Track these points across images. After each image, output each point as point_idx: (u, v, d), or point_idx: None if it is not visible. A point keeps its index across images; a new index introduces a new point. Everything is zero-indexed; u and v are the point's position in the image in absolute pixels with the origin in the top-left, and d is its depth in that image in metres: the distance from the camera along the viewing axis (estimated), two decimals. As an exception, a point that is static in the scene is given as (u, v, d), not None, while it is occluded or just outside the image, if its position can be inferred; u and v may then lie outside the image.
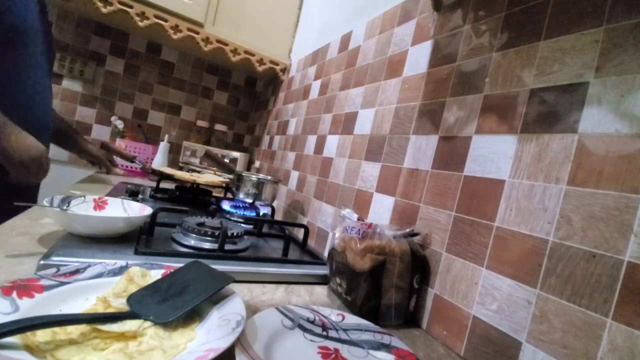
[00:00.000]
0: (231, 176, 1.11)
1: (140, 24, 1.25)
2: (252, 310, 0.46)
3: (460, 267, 0.50)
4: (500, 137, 0.48)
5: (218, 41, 1.37)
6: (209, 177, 1.29)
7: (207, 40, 1.35)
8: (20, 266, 0.45)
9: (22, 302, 0.34)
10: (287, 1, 1.51)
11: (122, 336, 0.33)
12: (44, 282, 0.38)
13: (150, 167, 1.24)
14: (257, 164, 1.61)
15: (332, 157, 0.93)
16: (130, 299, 0.38)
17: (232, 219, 0.89)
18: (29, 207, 0.71)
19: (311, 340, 0.42)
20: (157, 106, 1.69)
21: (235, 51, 1.41)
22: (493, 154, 0.48)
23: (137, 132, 1.63)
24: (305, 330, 0.44)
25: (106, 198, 0.72)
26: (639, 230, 0.32)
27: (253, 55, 1.44)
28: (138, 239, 0.60)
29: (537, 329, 0.38)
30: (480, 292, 0.46)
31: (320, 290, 0.61)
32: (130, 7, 1.23)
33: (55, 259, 0.46)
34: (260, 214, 0.98)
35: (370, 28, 0.90)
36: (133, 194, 0.83)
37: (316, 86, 1.16)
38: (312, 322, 0.45)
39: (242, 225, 0.84)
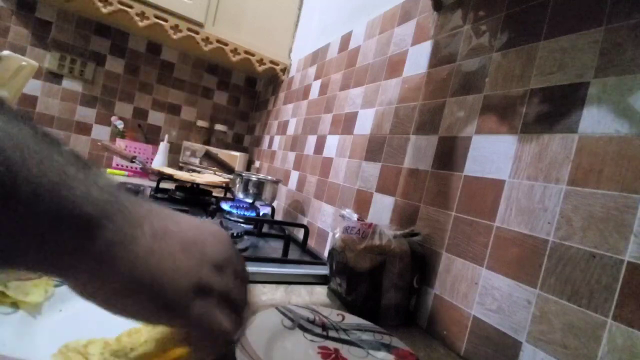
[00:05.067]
0: (231, 176, 1.11)
1: (140, 24, 1.25)
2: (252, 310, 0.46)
3: (460, 267, 0.50)
4: (500, 137, 0.48)
5: (218, 41, 1.37)
6: (209, 177, 1.29)
7: (207, 40, 1.35)
8: (20, 266, 0.45)
9: (23, 302, 0.34)
10: (287, 1, 1.51)
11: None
12: (44, 282, 0.38)
13: (150, 167, 1.24)
14: (257, 164, 1.61)
15: (332, 157, 0.93)
16: None
17: (232, 219, 0.89)
18: None
19: (311, 340, 0.42)
20: (157, 106, 1.69)
21: (235, 51, 1.41)
22: (493, 154, 0.48)
23: (137, 132, 1.63)
24: (305, 330, 0.44)
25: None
26: (639, 230, 0.32)
27: (253, 55, 1.44)
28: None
29: (537, 329, 0.38)
30: (480, 292, 0.46)
31: (320, 290, 0.61)
32: (130, 7, 1.23)
33: (56, 259, 0.46)
34: (260, 214, 0.98)
35: (370, 28, 0.90)
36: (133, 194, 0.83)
37: (316, 86, 1.16)
38: (312, 322, 0.45)
39: (242, 225, 0.84)
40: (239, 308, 0.27)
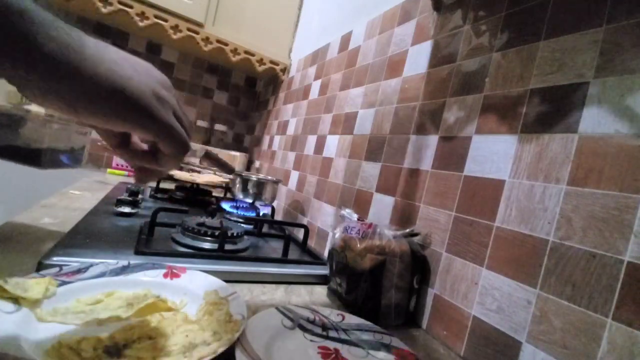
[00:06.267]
0: (231, 176, 1.11)
1: (140, 24, 1.25)
2: (252, 310, 0.46)
3: (460, 267, 0.50)
4: (500, 137, 0.48)
5: (218, 41, 1.37)
6: (208, 177, 1.29)
7: (207, 40, 1.35)
8: (20, 266, 0.45)
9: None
10: (287, 1, 1.51)
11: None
12: (44, 282, 0.38)
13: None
14: (257, 164, 1.61)
15: (332, 157, 0.93)
16: None
17: (232, 219, 0.89)
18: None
19: (311, 340, 0.42)
20: (157, 106, 1.69)
21: (235, 51, 1.41)
22: (493, 154, 0.48)
23: (137, 132, 1.62)
24: (305, 330, 0.44)
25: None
26: (639, 230, 0.32)
27: (253, 55, 1.44)
28: (138, 239, 0.60)
29: (537, 329, 0.39)
30: (480, 292, 0.46)
31: (320, 290, 0.61)
32: (130, 7, 1.23)
33: (56, 259, 0.46)
34: (260, 214, 0.98)
35: (370, 28, 0.90)
36: (133, 194, 0.83)
37: (316, 86, 1.16)
38: (312, 322, 0.45)
39: (242, 225, 0.84)
40: (187, 127, 0.32)
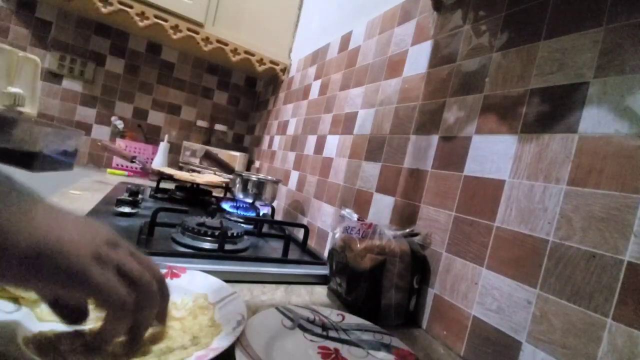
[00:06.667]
0: (231, 176, 1.11)
1: (140, 24, 1.25)
2: (252, 310, 0.46)
3: (460, 267, 0.50)
4: (500, 137, 0.48)
5: (218, 41, 1.37)
6: (208, 177, 1.29)
7: (207, 40, 1.35)
8: (20, 266, 0.45)
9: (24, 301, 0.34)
10: (287, 1, 1.51)
11: None
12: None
13: (150, 167, 1.24)
14: (257, 164, 1.61)
15: (332, 157, 0.93)
16: None
17: (232, 219, 0.89)
18: None
19: (311, 340, 0.42)
20: (157, 106, 1.69)
21: (235, 51, 1.41)
22: (493, 154, 0.48)
23: (137, 132, 1.63)
24: (305, 330, 0.44)
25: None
26: (639, 230, 0.32)
27: (253, 55, 1.44)
28: (138, 239, 0.61)
29: (537, 329, 0.39)
30: (480, 292, 0.46)
31: (320, 290, 0.61)
32: (130, 7, 1.23)
33: (56, 259, 0.46)
34: (260, 214, 0.98)
35: (370, 28, 0.90)
36: (133, 194, 0.83)
37: (316, 86, 1.16)
38: (312, 322, 0.45)
39: (242, 225, 0.84)
40: (137, 279, 0.30)
